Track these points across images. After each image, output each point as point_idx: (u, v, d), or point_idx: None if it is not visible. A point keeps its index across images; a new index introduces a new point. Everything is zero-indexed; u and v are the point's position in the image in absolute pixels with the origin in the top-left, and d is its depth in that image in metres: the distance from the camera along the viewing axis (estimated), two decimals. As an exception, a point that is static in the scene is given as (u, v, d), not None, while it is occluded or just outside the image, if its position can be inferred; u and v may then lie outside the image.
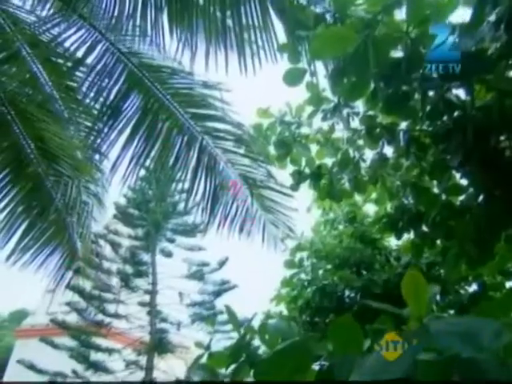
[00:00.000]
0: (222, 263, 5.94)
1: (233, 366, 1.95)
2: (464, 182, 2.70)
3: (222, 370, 1.97)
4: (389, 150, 3.91)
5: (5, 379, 10.93)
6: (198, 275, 6.97)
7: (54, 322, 6.33)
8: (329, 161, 4.30)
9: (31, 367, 6.01)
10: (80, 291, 6.25)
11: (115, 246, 6.73)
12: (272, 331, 1.97)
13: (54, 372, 6.04)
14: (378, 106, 2.58)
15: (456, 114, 2.26)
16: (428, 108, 2.25)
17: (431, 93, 2.25)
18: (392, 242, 5.44)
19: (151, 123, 4.09)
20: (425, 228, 3.17)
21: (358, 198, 5.20)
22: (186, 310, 6.82)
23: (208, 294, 6.63)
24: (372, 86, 2.12)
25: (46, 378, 6.18)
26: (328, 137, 4.26)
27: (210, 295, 6.52)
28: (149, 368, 6.54)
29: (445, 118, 2.36)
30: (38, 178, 4.56)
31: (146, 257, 7.15)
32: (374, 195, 4.42)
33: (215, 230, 4.80)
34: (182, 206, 7.69)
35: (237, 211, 4.93)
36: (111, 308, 6.91)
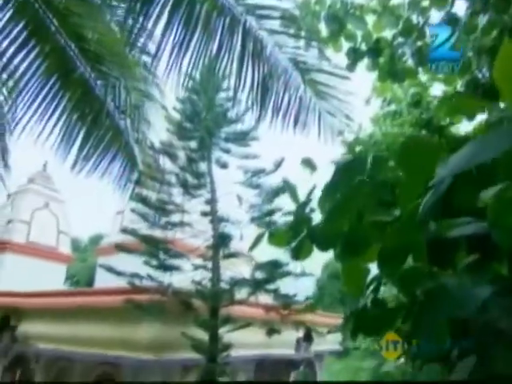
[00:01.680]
0: (278, 164, 5.85)
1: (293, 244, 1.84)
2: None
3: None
4: (461, 8, 3.34)
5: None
6: (254, 181, 7.01)
7: (124, 232, 6.80)
8: (388, 33, 3.80)
9: (110, 270, 6.63)
10: (144, 200, 6.57)
11: (172, 157, 6.86)
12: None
13: (130, 273, 6.60)
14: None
15: None
16: None
17: None
18: (462, 127, 4.94)
19: (188, 7, 3.75)
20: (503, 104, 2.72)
21: (423, 77, 4.69)
22: (246, 214, 6.99)
23: (266, 197, 6.69)
24: None
25: (124, 280, 6.79)
26: (386, 4, 3.71)
27: (269, 197, 6.57)
28: (215, 268, 6.92)
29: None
30: (85, 82, 4.50)
31: (202, 167, 7.27)
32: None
33: (268, 124, 4.59)
34: (232, 113, 7.57)
35: (289, 101, 4.64)
36: (175, 217, 7.25)
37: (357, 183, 1.35)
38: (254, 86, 4.38)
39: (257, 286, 6.88)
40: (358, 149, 5.61)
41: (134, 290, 7.73)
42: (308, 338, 11.58)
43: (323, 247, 1.73)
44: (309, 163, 1.81)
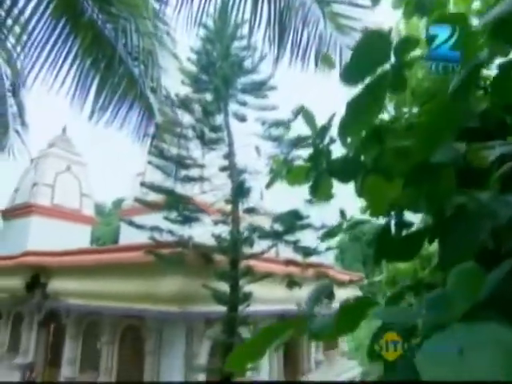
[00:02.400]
0: (297, 112, 5.62)
1: (312, 179, 1.71)
2: None
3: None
4: None
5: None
6: (272, 133, 6.85)
7: (144, 186, 6.81)
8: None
9: (131, 223, 6.71)
10: (162, 154, 6.53)
11: (188, 110, 6.72)
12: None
13: (151, 226, 6.66)
14: None
15: None
16: None
17: None
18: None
19: None
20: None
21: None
22: (265, 166, 6.89)
23: (286, 147, 6.55)
24: None
25: (145, 234, 6.87)
26: None
27: (288, 147, 6.43)
28: (235, 222, 6.90)
29: None
30: (95, 25, 4.34)
31: (219, 120, 7.12)
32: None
33: (287, 64, 4.37)
34: (248, 63, 7.29)
35: (309, 38, 4.39)
36: (194, 172, 7.20)
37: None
38: (271, 23, 4.16)
39: (276, 237, 6.86)
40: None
41: (155, 245, 7.86)
42: (329, 294, 11.67)
43: (343, 179, 1.62)
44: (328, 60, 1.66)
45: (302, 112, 1.70)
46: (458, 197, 1.27)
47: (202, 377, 8.49)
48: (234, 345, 6.67)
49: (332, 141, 1.65)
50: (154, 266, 7.83)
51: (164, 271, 7.63)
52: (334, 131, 1.61)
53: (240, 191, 6.68)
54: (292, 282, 7.71)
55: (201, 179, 7.23)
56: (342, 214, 1.84)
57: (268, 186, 2.05)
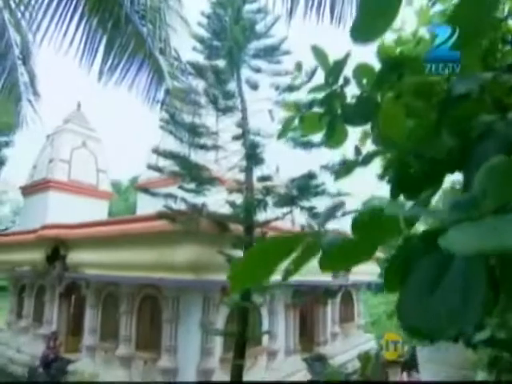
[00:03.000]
0: (311, 75, 5.40)
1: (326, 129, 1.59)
2: None
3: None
4: None
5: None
6: (286, 98, 6.66)
7: (156, 152, 6.75)
8: None
9: (146, 191, 6.72)
10: (175, 120, 6.44)
11: (200, 76, 6.56)
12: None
13: (165, 193, 6.64)
14: None
15: None
16: None
17: None
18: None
19: None
20: None
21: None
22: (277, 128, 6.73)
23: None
24: None
25: (160, 201, 6.87)
26: None
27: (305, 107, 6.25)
28: (249, 190, 6.81)
29: None
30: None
31: (232, 86, 6.95)
32: None
33: (302, 17, 4.18)
34: (261, 26, 7.04)
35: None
36: (207, 140, 7.11)
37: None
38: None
39: (291, 201, 6.77)
40: (398, 50, 5.09)
41: (170, 214, 7.88)
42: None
43: (358, 121, 1.52)
44: None
45: (314, 51, 1.57)
46: (485, 116, 1.17)
47: (219, 341, 8.62)
48: (250, 311, 6.72)
49: (346, 82, 1.53)
50: (170, 235, 7.87)
51: (179, 240, 7.66)
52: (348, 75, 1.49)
53: (253, 158, 6.57)
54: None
55: (214, 147, 7.14)
56: (357, 150, 1.72)
57: (280, 136, 1.94)
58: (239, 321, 6.84)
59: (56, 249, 11.09)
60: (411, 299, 0.57)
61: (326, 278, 10.93)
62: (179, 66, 5.39)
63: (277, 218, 6.98)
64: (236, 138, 7.18)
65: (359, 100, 1.47)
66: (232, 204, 6.56)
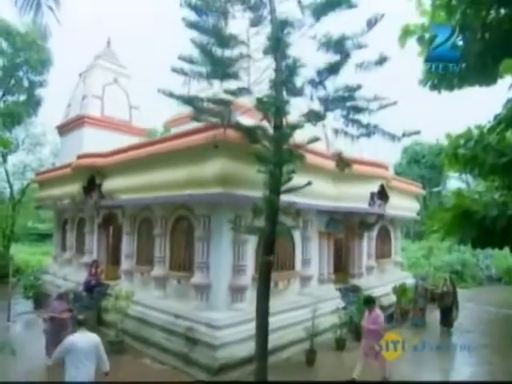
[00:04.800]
0: None
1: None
2: None
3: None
4: None
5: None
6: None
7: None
8: None
9: (171, 95, 6.44)
10: (201, 28, 6.06)
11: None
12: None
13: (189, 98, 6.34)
14: None
15: None
16: None
17: None
18: None
19: None
20: None
21: None
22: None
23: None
24: None
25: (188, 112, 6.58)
26: None
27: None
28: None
29: None
30: None
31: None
32: None
33: None
34: None
35: None
36: (236, 51, 6.63)
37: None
38: None
39: (325, 103, 6.29)
40: None
41: (200, 130, 7.65)
42: (382, 195, 11.13)
43: None
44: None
45: None
46: None
47: (251, 260, 8.56)
48: (276, 233, 6.40)
49: None
50: (199, 151, 7.68)
51: (208, 155, 7.46)
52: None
53: (288, 74, 6.08)
54: (342, 163, 7.25)
55: (242, 56, 6.64)
56: None
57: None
58: (263, 244, 6.51)
59: (92, 179, 11.28)
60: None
61: (362, 204, 10.54)
62: None
63: (311, 141, 6.56)
64: (266, 52, 6.63)
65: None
66: (260, 101, 6.09)
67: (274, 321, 7.08)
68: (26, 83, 17.13)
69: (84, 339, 5.36)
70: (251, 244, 8.66)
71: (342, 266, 12.56)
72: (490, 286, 19.90)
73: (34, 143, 21.63)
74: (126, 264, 10.87)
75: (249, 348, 7.06)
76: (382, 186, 11.04)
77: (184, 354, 7.71)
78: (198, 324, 7.94)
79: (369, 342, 7.05)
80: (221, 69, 6.31)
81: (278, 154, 6.33)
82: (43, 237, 30.99)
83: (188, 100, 6.54)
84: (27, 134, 21.02)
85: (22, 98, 17.36)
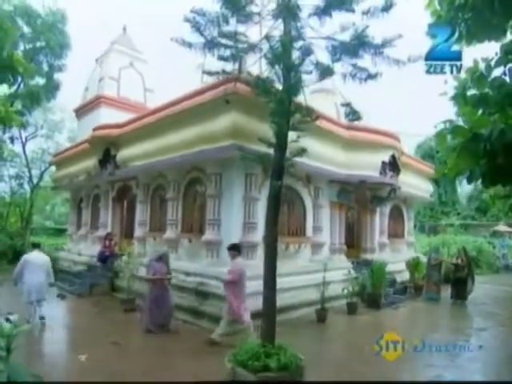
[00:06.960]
0: None
1: None
2: None
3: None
4: None
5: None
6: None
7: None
8: None
9: (183, 42, 6.56)
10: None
11: None
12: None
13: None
14: None
15: None
16: None
17: None
18: None
19: None
20: None
21: None
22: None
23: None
24: None
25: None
26: None
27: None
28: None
29: None
30: None
31: None
32: None
33: None
34: None
35: None
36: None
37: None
38: None
39: (334, 51, 6.33)
40: None
41: (211, 86, 7.79)
42: (394, 166, 11.08)
43: None
44: None
45: None
46: None
47: (261, 218, 8.57)
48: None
49: None
50: (210, 107, 7.81)
51: (220, 110, 7.58)
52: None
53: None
54: (353, 112, 7.22)
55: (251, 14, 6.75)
56: None
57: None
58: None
59: (107, 152, 11.54)
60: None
61: (373, 173, 10.51)
62: None
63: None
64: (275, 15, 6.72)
65: None
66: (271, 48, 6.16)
67: (286, 281, 7.11)
68: (45, 67, 17.68)
69: (37, 256, 7.56)
70: (262, 202, 8.71)
71: (354, 243, 12.51)
72: (506, 274, 19.52)
73: (53, 129, 22.31)
74: (139, 231, 11.08)
75: (258, 303, 7.08)
76: (393, 157, 11.00)
77: (194, 308, 7.80)
78: (209, 279, 8.03)
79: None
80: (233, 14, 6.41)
81: (286, 105, 6.38)
82: (59, 231, 31.90)
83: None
84: (45, 120, 21.67)
85: (42, 82, 17.90)
